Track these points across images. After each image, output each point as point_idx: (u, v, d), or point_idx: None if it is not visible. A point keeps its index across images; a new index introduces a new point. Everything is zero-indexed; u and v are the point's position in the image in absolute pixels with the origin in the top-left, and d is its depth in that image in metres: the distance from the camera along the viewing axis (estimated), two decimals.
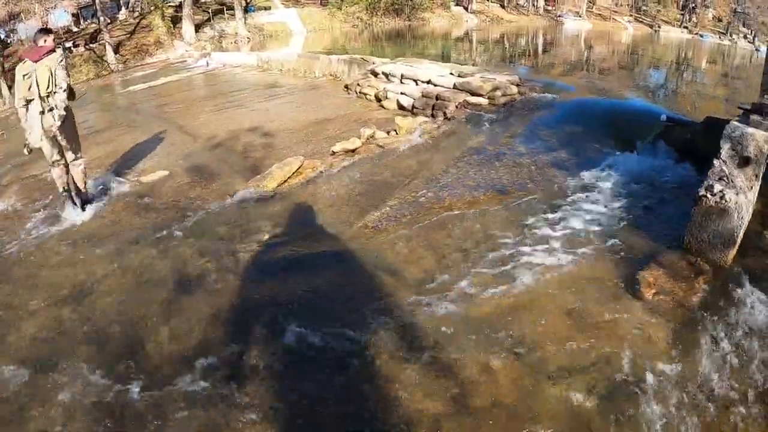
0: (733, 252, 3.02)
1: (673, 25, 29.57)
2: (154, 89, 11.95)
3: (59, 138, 4.11)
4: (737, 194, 2.94)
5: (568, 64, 12.77)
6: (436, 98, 6.79)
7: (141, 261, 3.51)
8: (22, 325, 2.92)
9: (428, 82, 7.27)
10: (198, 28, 20.67)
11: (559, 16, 29.95)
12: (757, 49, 22.69)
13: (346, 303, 2.87)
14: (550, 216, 3.66)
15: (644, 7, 32.10)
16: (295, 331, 2.67)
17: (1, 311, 3.08)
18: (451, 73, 7.33)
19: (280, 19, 23.85)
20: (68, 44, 17.53)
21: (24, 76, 3.93)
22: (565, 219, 3.62)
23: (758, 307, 2.71)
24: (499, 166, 4.61)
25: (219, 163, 5.51)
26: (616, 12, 31.64)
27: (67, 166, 4.33)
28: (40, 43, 4.03)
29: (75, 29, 21.02)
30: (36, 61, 3.92)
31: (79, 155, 4.36)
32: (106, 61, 17.50)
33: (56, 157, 4.21)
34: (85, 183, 4.53)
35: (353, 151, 5.33)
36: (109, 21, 19.41)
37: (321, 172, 4.86)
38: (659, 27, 28.47)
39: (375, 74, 8.42)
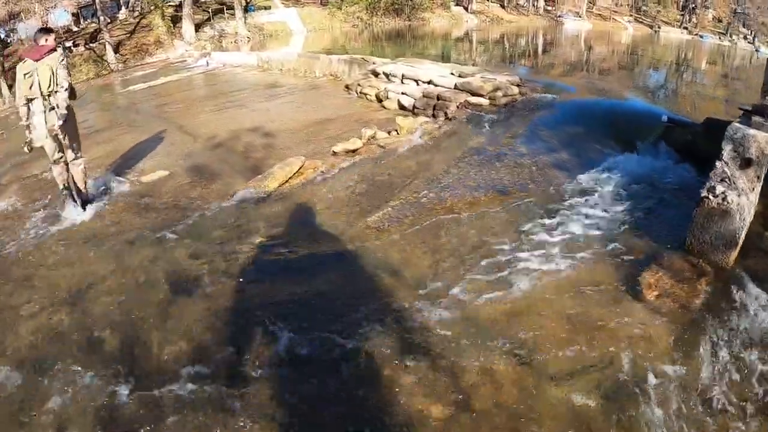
0: (734, 253, 3.02)
1: (673, 26, 29.58)
2: (154, 89, 11.93)
3: (61, 137, 4.11)
4: (739, 196, 2.94)
5: (568, 65, 12.77)
6: (437, 98, 6.78)
7: (141, 262, 3.50)
8: (18, 326, 2.91)
9: (429, 82, 7.26)
10: (198, 27, 20.65)
11: (559, 16, 29.94)
12: (756, 50, 22.71)
13: (348, 304, 2.87)
14: (551, 217, 3.66)
15: (644, 8, 32.10)
16: (295, 332, 2.66)
17: None
18: (452, 74, 7.32)
19: (280, 19, 23.84)
20: (68, 44, 17.50)
21: (25, 75, 3.94)
22: (567, 220, 3.62)
23: (760, 308, 2.71)
24: (500, 167, 4.60)
25: (219, 163, 5.50)
26: (616, 12, 31.64)
27: (67, 164, 4.33)
28: (41, 42, 4.03)
29: (75, 29, 20.99)
30: (37, 60, 3.93)
31: (79, 154, 4.36)
32: (106, 61, 17.48)
33: (57, 155, 4.23)
34: (85, 183, 4.52)
35: (354, 151, 5.33)
36: (109, 20, 19.39)
37: (322, 172, 4.85)
38: (659, 27, 28.48)
39: (376, 74, 8.41)
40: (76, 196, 4.46)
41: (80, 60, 16.99)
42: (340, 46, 17.91)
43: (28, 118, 4.09)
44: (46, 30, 4.22)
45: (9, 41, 18.46)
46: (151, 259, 3.52)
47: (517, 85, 6.95)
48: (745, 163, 3.00)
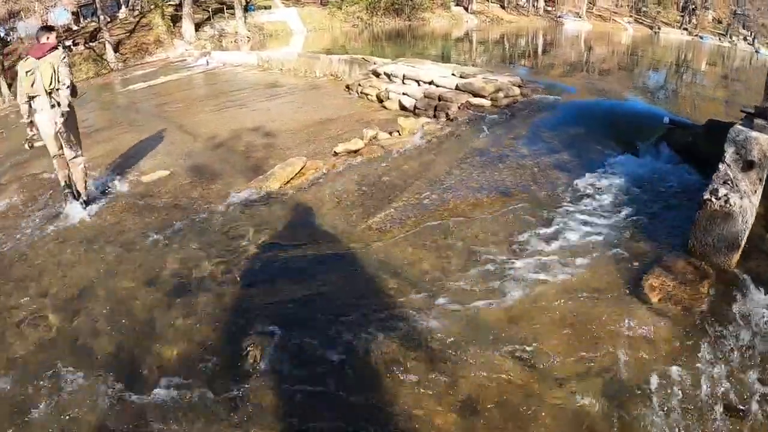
0: (737, 256, 3.02)
1: (673, 27, 29.60)
2: (154, 88, 11.93)
3: (61, 134, 4.15)
4: (742, 198, 2.94)
5: (568, 65, 12.77)
6: (439, 99, 6.78)
7: (141, 262, 3.50)
8: (13, 327, 2.91)
9: (430, 82, 7.25)
10: (198, 27, 20.64)
11: (559, 16, 29.95)
12: (756, 51, 22.75)
13: (349, 305, 2.86)
14: (553, 219, 3.66)
15: (644, 9, 32.12)
16: (295, 333, 2.66)
17: None
18: (453, 74, 7.32)
19: (280, 19, 23.83)
20: (68, 43, 17.47)
21: (27, 72, 3.97)
22: (568, 222, 3.61)
23: (762, 309, 2.71)
24: (503, 168, 4.60)
25: (220, 163, 5.49)
26: (616, 13, 31.66)
27: (67, 161, 4.37)
28: (43, 40, 4.06)
29: (75, 28, 20.98)
30: (39, 58, 3.97)
31: (79, 152, 4.38)
32: (105, 60, 17.47)
33: (59, 151, 4.29)
34: (86, 182, 4.53)
35: (356, 152, 5.32)
36: (109, 19, 19.37)
37: (324, 173, 4.84)
38: (659, 28, 28.50)
39: (377, 74, 8.41)
40: (76, 196, 4.47)
41: (80, 59, 16.97)
42: (340, 46, 17.91)
43: (29, 116, 4.14)
44: (47, 28, 4.25)
45: (9, 40, 18.44)
46: (151, 260, 3.51)
47: (519, 86, 6.95)
48: (748, 166, 3.00)
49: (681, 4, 31.40)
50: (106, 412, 2.28)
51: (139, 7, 21.91)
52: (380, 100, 7.74)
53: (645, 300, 2.78)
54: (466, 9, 29.16)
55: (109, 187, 4.94)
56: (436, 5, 28.13)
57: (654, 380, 2.29)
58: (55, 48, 4.05)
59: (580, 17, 29.82)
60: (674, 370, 2.33)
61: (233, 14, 21.47)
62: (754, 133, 2.98)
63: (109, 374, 2.48)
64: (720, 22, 30.80)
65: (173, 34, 19.86)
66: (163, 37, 19.50)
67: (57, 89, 4.00)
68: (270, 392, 2.32)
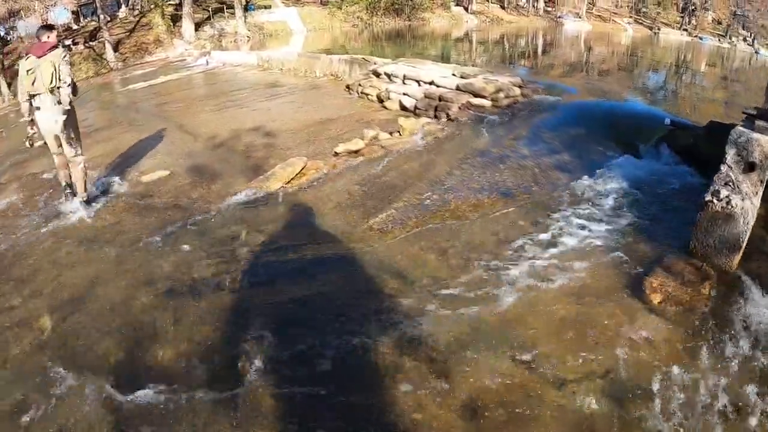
0: (738, 257, 3.02)
1: (673, 28, 29.65)
2: (154, 88, 11.92)
3: (62, 133, 4.17)
4: (743, 200, 2.94)
5: (568, 66, 12.79)
6: (439, 99, 6.77)
7: (140, 262, 3.48)
8: (8, 327, 2.89)
9: (431, 83, 7.25)
10: (198, 26, 20.64)
11: (559, 17, 30.00)
12: (756, 52, 22.80)
13: (351, 306, 2.85)
14: (554, 220, 3.66)
15: (644, 9, 32.17)
16: (295, 334, 2.65)
17: None
18: (454, 74, 7.31)
19: (280, 18, 23.85)
20: (68, 42, 17.47)
21: (27, 71, 3.99)
22: (570, 223, 3.61)
23: (763, 310, 2.71)
24: (504, 169, 4.60)
25: (220, 163, 5.49)
26: (615, 14, 31.70)
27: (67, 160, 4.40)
28: (43, 39, 4.07)
29: (75, 27, 20.97)
30: (40, 57, 3.98)
31: (79, 151, 4.39)
32: (105, 59, 17.48)
33: (59, 149, 4.32)
34: (85, 182, 4.52)
35: (356, 152, 5.31)
36: (108, 19, 19.36)
37: (325, 173, 4.84)
38: (659, 29, 28.56)
39: (377, 74, 8.40)
40: (76, 195, 4.47)
41: (80, 58, 16.97)
42: (340, 46, 17.91)
43: (29, 114, 4.15)
44: (48, 27, 4.26)
45: (9, 39, 18.42)
46: (150, 260, 3.50)
47: (519, 87, 6.95)
48: (749, 167, 3.00)
49: (681, 5, 31.43)
50: (103, 414, 2.26)
51: (139, 7, 21.90)
52: (380, 101, 7.73)
53: (646, 301, 2.78)
54: (466, 9, 29.20)
55: (108, 187, 4.93)
56: (436, 5, 28.16)
57: (655, 382, 2.28)
58: (55, 47, 4.06)
59: (579, 18, 29.86)
60: (675, 372, 2.33)
61: (233, 14, 21.48)
62: (756, 135, 2.98)
63: (107, 375, 2.46)
64: (720, 23, 30.86)
65: (173, 34, 19.86)
66: (163, 37, 19.50)
67: (58, 87, 4.02)
68: (269, 394, 2.31)
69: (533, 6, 31.56)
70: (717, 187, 3.01)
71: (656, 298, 2.77)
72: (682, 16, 30.63)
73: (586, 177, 4.29)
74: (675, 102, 8.51)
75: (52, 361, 2.58)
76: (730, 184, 3.00)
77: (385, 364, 2.44)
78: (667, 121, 5.24)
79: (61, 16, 20.77)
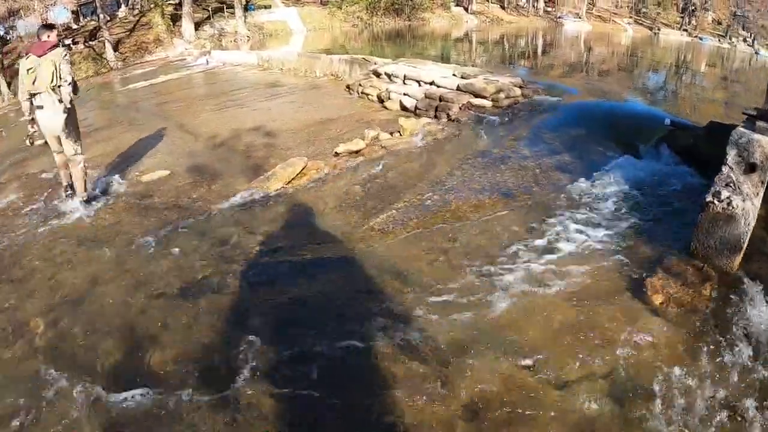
0: (739, 258, 3.02)
1: (673, 28, 29.67)
2: (154, 87, 11.91)
3: (63, 132, 4.20)
4: (744, 201, 2.94)
5: (568, 66, 12.79)
6: (440, 99, 6.77)
7: (139, 263, 3.47)
8: (2, 328, 2.89)
9: (431, 83, 7.25)
10: (198, 26, 20.63)
11: (559, 17, 30.01)
12: (756, 53, 22.82)
13: (351, 307, 2.85)
14: (555, 220, 3.65)
15: (644, 10, 32.18)
16: (296, 334, 2.65)
17: None
18: (454, 75, 7.31)
19: (280, 18, 23.84)
20: (67, 41, 17.45)
21: (28, 70, 4.01)
22: (571, 223, 3.61)
23: (764, 312, 2.71)
24: (504, 170, 4.59)
25: (221, 163, 5.48)
26: (615, 14, 31.71)
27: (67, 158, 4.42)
28: (44, 38, 4.09)
29: (74, 26, 20.95)
30: (40, 56, 4.00)
31: (79, 150, 4.40)
32: (105, 59, 17.47)
33: (58, 148, 4.35)
34: (85, 181, 4.53)
35: (357, 152, 5.31)
36: (108, 18, 19.35)
37: (325, 173, 4.83)
38: (659, 29, 28.57)
39: (377, 75, 8.40)
40: (75, 194, 4.49)
41: (79, 58, 16.95)
42: (340, 46, 17.91)
43: (30, 113, 4.18)
44: (48, 26, 4.29)
45: (8, 38, 18.41)
46: (149, 260, 3.49)
47: (520, 87, 6.94)
48: (750, 168, 3.00)
49: (681, 5, 31.44)
50: (98, 416, 2.25)
51: (138, 6, 21.89)
52: (381, 101, 7.73)
53: (647, 302, 2.78)
54: (466, 9, 29.20)
55: (108, 187, 4.92)
56: (436, 5, 28.16)
57: (657, 383, 2.28)
58: (56, 46, 4.08)
59: (579, 18, 29.87)
60: (677, 373, 2.33)
61: (233, 13, 21.47)
62: (757, 136, 2.99)
63: (102, 377, 2.45)
64: (720, 23, 30.87)
65: (173, 33, 19.84)
66: (163, 36, 19.49)
67: (59, 86, 4.04)
68: (268, 395, 2.30)
69: (533, 6, 31.56)
70: (718, 188, 3.01)
71: (658, 299, 2.77)
72: (682, 17, 30.65)
73: (586, 178, 4.29)
74: (675, 102, 8.51)
75: (45, 362, 2.56)
76: (731, 185, 3.00)
77: (385, 365, 2.44)
78: (667, 121, 5.24)
79: (60, 15, 20.77)
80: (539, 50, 17.71)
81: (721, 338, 2.54)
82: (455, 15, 28.73)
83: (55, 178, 5.08)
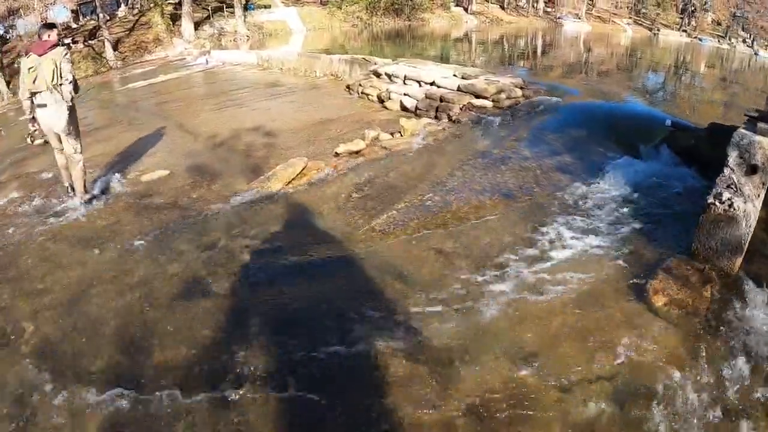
0: (740, 259, 3.03)
1: (672, 29, 29.68)
2: (154, 87, 11.89)
3: (64, 130, 4.22)
4: (745, 202, 2.94)
5: (568, 67, 12.78)
6: (440, 100, 6.77)
7: (138, 263, 3.46)
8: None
9: (432, 83, 7.25)
10: (197, 25, 20.61)
11: (559, 17, 30.02)
12: (755, 53, 22.84)
13: (352, 309, 2.84)
14: (556, 221, 3.65)
15: (644, 10, 32.19)
16: (296, 336, 2.64)
17: None
18: (455, 75, 7.31)
19: (280, 18, 23.83)
20: (67, 40, 17.41)
21: (29, 69, 4.03)
22: (571, 224, 3.61)
23: (765, 313, 2.71)
24: (505, 170, 4.59)
25: (220, 163, 5.47)
26: (615, 14, 31.73)
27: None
28: (44, 37, 4.11)
29: (74, 25, 20.91)
30: (41, 55, 4.01)
31: (79, 149, 4.41)
32: (104, 58, 17.44)
33: (59, 145, 4.38)
34: (85, 181, 4.54)
35: (358, 152, 5.30)
36: (108, 18, 19.32)
37: (326, 174, 4.83)
38: (658, 30, 28.59)
39: (377, 75, 8.40)
40: (75, 194, 4.49)
41: (79, 57, 16.91)
42: (340, 46, 17.91)
43: (31, 112, 4.20)
44: (49, 25, 4.32)
45: (8, 37, 18.37)
46: (148, 260, 3.48)
47: (521, 88, 6.95)
48: (751, 170, 3.00)
49: (680, 6, 31.46)
50: (99, 417, 2.24)
51: (138, 6, 21.86)
52: (381, 101, 7.73)
53: (649, 303, 2.78)
54: (466, 9, 29.20)
55: (108, 186, 4.90)
56: (436, 6, 28.16)
57: (659, 385, 2.28)
58: (56, 45, 4.10)
59: (579, 18, 29.89)
60: (679, 375, 2.33)
61: (233, 13, 21.45)
62: (758, 137, 2.98)
63: (102, 378, 2.44)
64: (719, 24, 30.89)
65: (172, 33, 19.82)
66: (163, 36, 19.47)
67: (59, 85, 4.06)
68: (267, 396, 2.30)
69: (533, 7, 31.56)
70: (719, 190, 3.01)
71: (659, 301, 2.77)
72: (681, 17, 30.66)
73: (587, 179, 4.29)
74: (675, 103, 8.52)
75: (42, 363, 2.55)
76: (733, 186, 3.00)
77: (385, 367, 2.43)
78: (668, 122, 5.24)
79: (60, 14, 20.71)
80: (539, 51, 17.71)
81: (722, 339, 2.55)
82: (455, 15, 28.73)
83: (55, 177, 5.07)
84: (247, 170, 5.14)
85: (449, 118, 6.37)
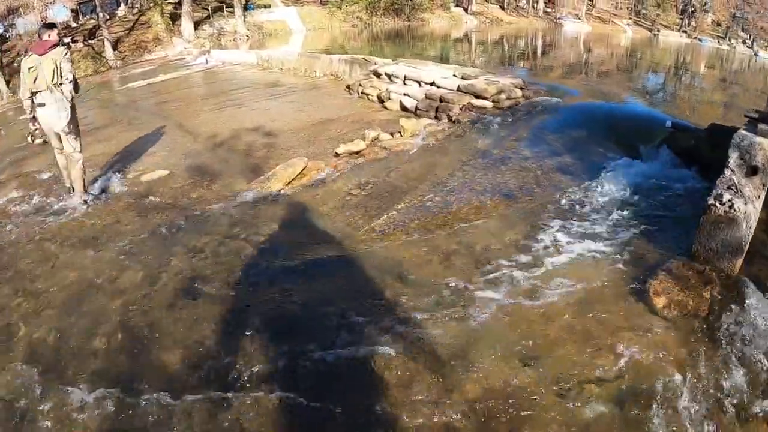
0: (740, 261, 3.02)
1: (672, 29, 29.69)
2: (154, 86, 11.88)
3: (64, 129, 4.24)
4: (746, 203, 2.94)
5: (567, 67, 12.78)
6: (440, 100, 6.77)
7: (137, 263, 3.46)
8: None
9: (432, 83, 7.25)
10: (197, 25, 20.60)
11: (559, 18, 30.03)
12: (755, 54, 22.86)
13: (352, 310, 2.83)
14: (557, 222, 3.65)
15: (643, 11, 32.21)
16: (295, 337, 2.63)
17: None
18: (455, 75, 7.31)
19: (280, 18, 23.83)
20: (67, 40, 17.39)
21: (29, 69, 4.06)
22: (572, 225, 3.60)
23: (766, 314, 2.70)
24: (506, 171, 4.59)
25: (220, 163, 5.47)
26: (615, 15, 31.74)
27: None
28: (45, 37, 4.15)
29: (74, 25, 20.89)
30: (41, 55, 4.05)
31: (78, 149, 4.42)
32: (104, 58, 17.43)
33: (59, 145, 4.40)
34: (84, 180, 4.54)
35: (358, 153, 5.30)
36: (108, 17, 19.31)
37: (326, 174, 4.83)
38: (658, 31, 28.60)
39: (377, 75, 8.40)
40: (74, 193, 4.49)
41: (78, 56, 16.89)
42: (340, 46, 17.90)
43: (31, 111, 4.23)
44: (49, 26, 4.35)
45: (8, 36, 18.36)
46: (147, 261, 3.47)
47: (521, 88, 6.94)
48: (752, 171, 3.00)
49: (680, 7, 31.47)
50: (97, 418, 2.24)
51: (138, 5, 21.85)
52: (381, 101, 7.72)
53: (650, 305, 2.77)
54: (466, 10, 29.19)
55: (108, 186, 4.90)
56: (436, 6, 28.16)
57: (659, 387, 2.28)
58: (56, 45, 4.12)
59: (579, 19, 29.90)
60: (679, 377, 2.32)
61: (232, 13, 21.44)
62: (759, 139, 2.98)
63: (100, 379, 2.43)
64: (719, 24, 30.90)
65: (172, 33, 19.81)
66: (162, 35, 19.46)
67: (60, 84, 4.09)
68: (266, 398, 2.29)
69: (533, 7, 31.56)
70: (720, 191, 3.01)
71: (660, 303, 2.76)
72: (681, 18, 30.68)
73: (587, 180, 4.29)
74: (675, 104, 8.52)
75: (39, 364, 2.54)
76: (733, 187, 3.00)
77: (385, 367, 2.43)
78: (668, 123, 5.24)
79: (60, 13, 20.68)
80: (539, 51, 17.71)
81: (722, 341, 2.54)
82: (455, 15, 28.73)
83: (54, 177, 5.07)
84: (247, 170, 5.14)
85: (449, 118, 6.37)
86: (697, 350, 2.49)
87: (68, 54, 4.16)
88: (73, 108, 4.28)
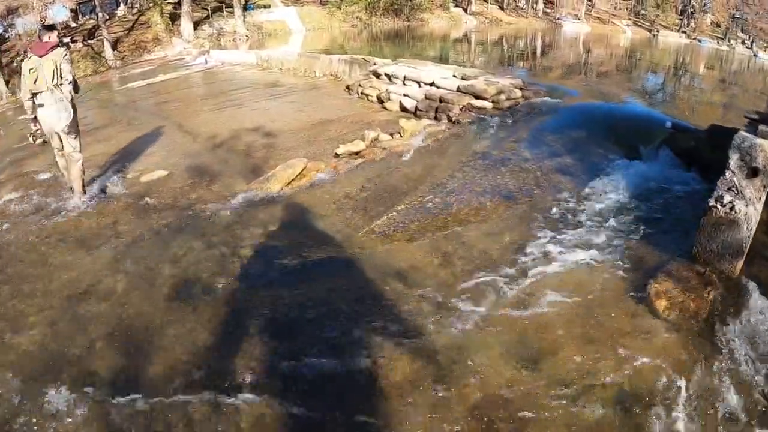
0: (741, 262, 3.02)
1: (672, 30, 29.69)
2: (153, 86, 11.87)
3: (64, 130, 4.26)
4: (746, 205, 2.94)
5: (567, 67, 12.78)
6: (440, 101, 6.76)
7: (136, 264, 3.45)
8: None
9: (432, 84, 7.24)
10: (197, 25, 20.57)
11: (558, 18, 29.99)
12: (755, 55, 22.86)
13: (352, 312, 2.82)
14: (557, 223, 3.65)
15: (643, 12, 32.21)
16: (295, 340, 2.63)
17: None
18: (455, 76, 7.30)
19: (279, 18, 23.80)
20: (66, 40, 17.38)
21: (30, 70, 4.09)
22: (572, 227, 3.60)
23: (766, 315, 2.70)
24: (506, 172, 4.58)
25: (220, 164, 5.46)
26: (614, 16, 31.73)
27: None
28: (45, 38, 4.18)
29: (73, 25, 20.86)
30: (41, 56, 4.08)
31: (78, 149, 4.43)
32: (103, 58, 17.40)
33: (59, 144, 4.41)
34: (83, 181, 4.55)
35: (357, 153, 5.30)
36: (107, 17, 19.28)
37: (325, 174, 4.82)
38: (658, 31, 28.59)
39: (377, 75, 8.39)
40: (73, 194, 4.50)
41: (78, 56, 16.86)
42: (339, 46, 17.88)
43: (32, 112, 4.27)
44: (49, 27, 4.37)
45: (7, 37, 18.34)
46: (146, 261, 3.46)
47: (520, 89, 6.94)
48: (752, 173, 3.00)
49: (680, 7, 31.48)
50: (97, 419, 2.23)
51: (137, 5, 21.82)
52: (381, 101, 7.72)
53: (650, 306, 2.77)
54: (465, 10, 29.16)
55: (107, 186, 4.90)
56: (435, 6, 28.13)
57: (660, 388, 2.28)
58: (56, 46, 4.15)
59: (578, 19, 29.87)
60: (681, 379, 2.32)
61: (232, 13, 21.41)
62: (759, 140, 2.98)
63: (99, 381, 2.42)
64: (719, 25, 30.91)
65: (172, 33, 19.78)
66: (162, 36, 19.44)
67: (60, 85, 4.12)
68: (265, 402, 2.28)
69: (532, 7, 31.55)
70: (720, 193, 3.00)
71: (661, 305, 2.76)
72: (680, 19, 30.67)
73: (587, 180, 4.29)
74: (674, 104, 8.52)
75: (37, 365, 2.54)
76: (734, 189, 3.00)
77: (385, 369, 2.42)
78: (668, 124, 5.24)
79: (59, 13, 20.62)
80: (538, 51, 17.70)
81: (723, 342, 2.54)
82: (454, 16, 28.70)
83: (54, 177, 5.06)
84: (247, 171, 5.13)
85: (449, 118, 6.36)
86: (698, 352, 2.49)
87: (68, 55, 4.19)
88: (73, 108, 4.29)
